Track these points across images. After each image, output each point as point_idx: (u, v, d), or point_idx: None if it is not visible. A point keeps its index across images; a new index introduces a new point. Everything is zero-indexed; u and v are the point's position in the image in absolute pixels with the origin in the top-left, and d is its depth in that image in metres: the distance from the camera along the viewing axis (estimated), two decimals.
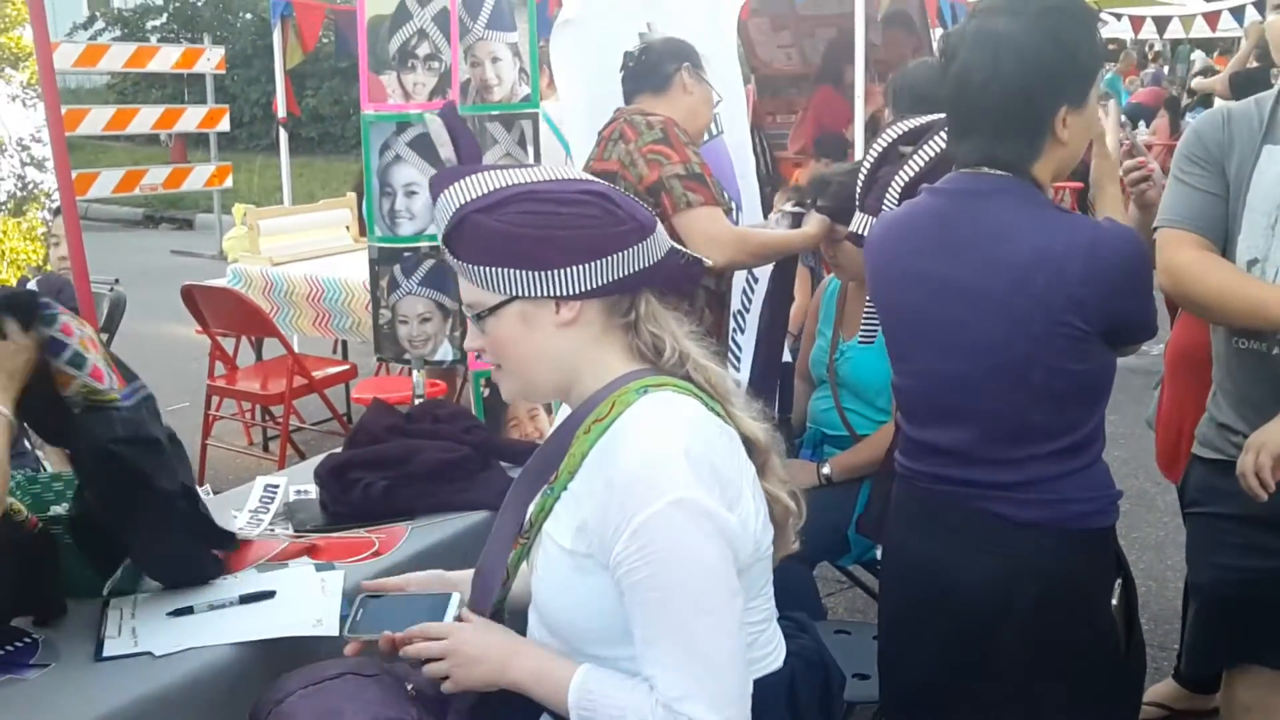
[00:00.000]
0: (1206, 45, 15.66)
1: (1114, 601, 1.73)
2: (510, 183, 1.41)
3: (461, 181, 1.41)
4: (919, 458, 1.82)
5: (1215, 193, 2.02)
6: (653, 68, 2.85)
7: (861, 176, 2.41)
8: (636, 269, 1.40)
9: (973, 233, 1.69)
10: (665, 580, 1.29)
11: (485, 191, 1.40)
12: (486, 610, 1.50)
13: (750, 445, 1.44)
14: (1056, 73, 1.64)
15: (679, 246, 1.47)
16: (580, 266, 1.37)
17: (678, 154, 2.67)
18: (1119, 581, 1.75)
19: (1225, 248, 2.02)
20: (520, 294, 1.39)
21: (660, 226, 1.44)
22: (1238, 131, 2.01)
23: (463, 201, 1.40)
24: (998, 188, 1.68)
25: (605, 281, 1.39)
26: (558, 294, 1.38)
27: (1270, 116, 1.98)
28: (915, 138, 2.19)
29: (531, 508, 1.48)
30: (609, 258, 1.38)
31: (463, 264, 1.41)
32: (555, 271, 1.37)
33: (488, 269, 1.39)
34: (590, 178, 1.45)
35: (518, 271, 1.37)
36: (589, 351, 1.43)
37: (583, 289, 1.38)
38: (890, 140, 2.30)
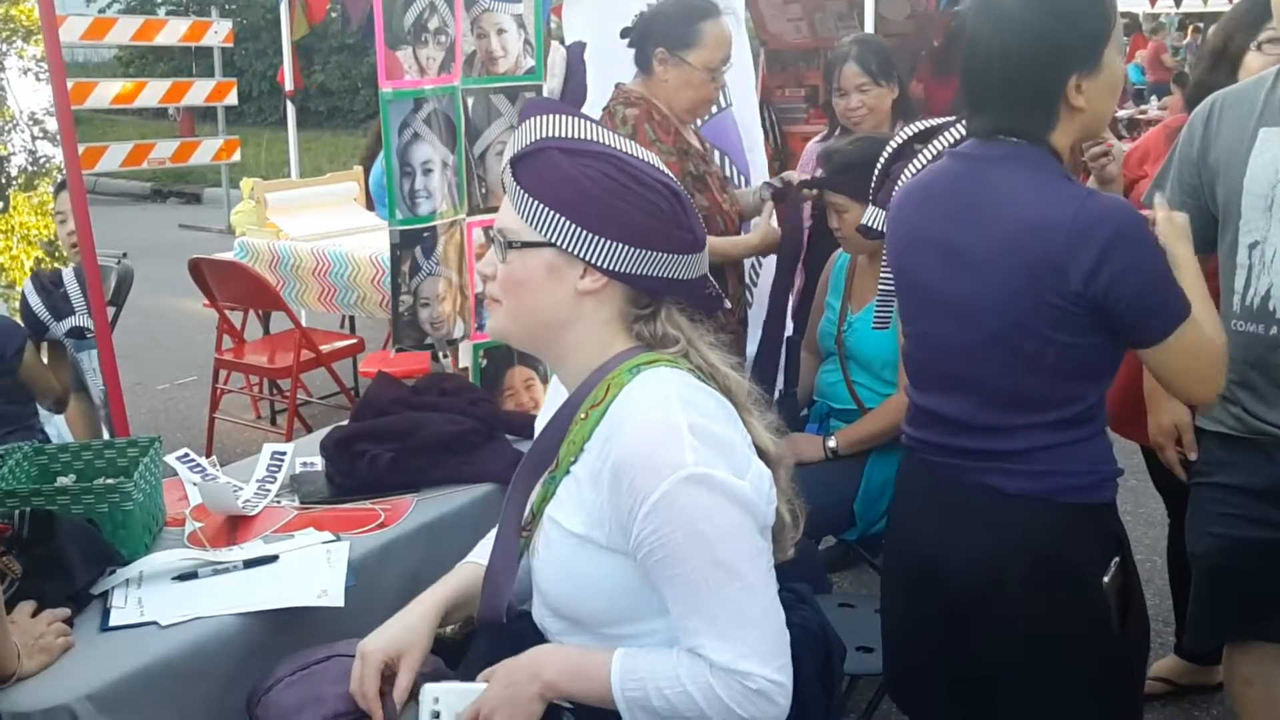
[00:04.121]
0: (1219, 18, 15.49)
1: (1106, 579, 1.70)
2: (602, 140, 1.40)
3: (558, 116, 1.40)
4: (922, 426, 1.82)
5: (1193, 201, 2.08)
6: (638, 46, 2.83)
7: (876, 172, 2.41)
8: (670, 276, 1.39)
9: (978, 198, 1.69)
10: (688, 555, 1.29)
11: (576, 135, 1.39)
12: (501, 608, 1.48)
13: (761, 457, 1.42)
14: (1057, 44, 1.61)
15: (710, 278, 1.46)
16: (625, 246, 1.36)
17: None
18: (1116, 560, 1.72)
19: (1223, 233, 2.03)
20: (559, 243, 1.37)
21: (706, 249, 1.44)
22: (1228, 117, 2.02)
23: (550, 134, 1.39)
24: (1007, 154, 1.67)
25: (638, 272, 1.38)
26: (592, 260, 1.36)
27: (1267, 99, 1.98)
28: (929, 137, 2.19)
29: (533, 496, 1.47)
30: (653, 253, 1.37)
31: (519, 190, 1.39)
32: (601, 239, 1.36)
33: (541, 205, 1.37)
34: (671, 174, 1.43)
35: (567, 221, 1.36)
36: (595, 329, 1.42)
37: (615, 268, 1.37)
38: (905, 138, 2.30)
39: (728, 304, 1.52)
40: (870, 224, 2.42)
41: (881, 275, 2.23)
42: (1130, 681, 1.82)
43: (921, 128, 2.29)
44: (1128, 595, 1.74)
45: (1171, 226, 1.74)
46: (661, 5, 2.85)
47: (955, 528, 1.75)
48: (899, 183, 2.15)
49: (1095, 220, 1.57)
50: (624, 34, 2.87)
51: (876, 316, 2.34)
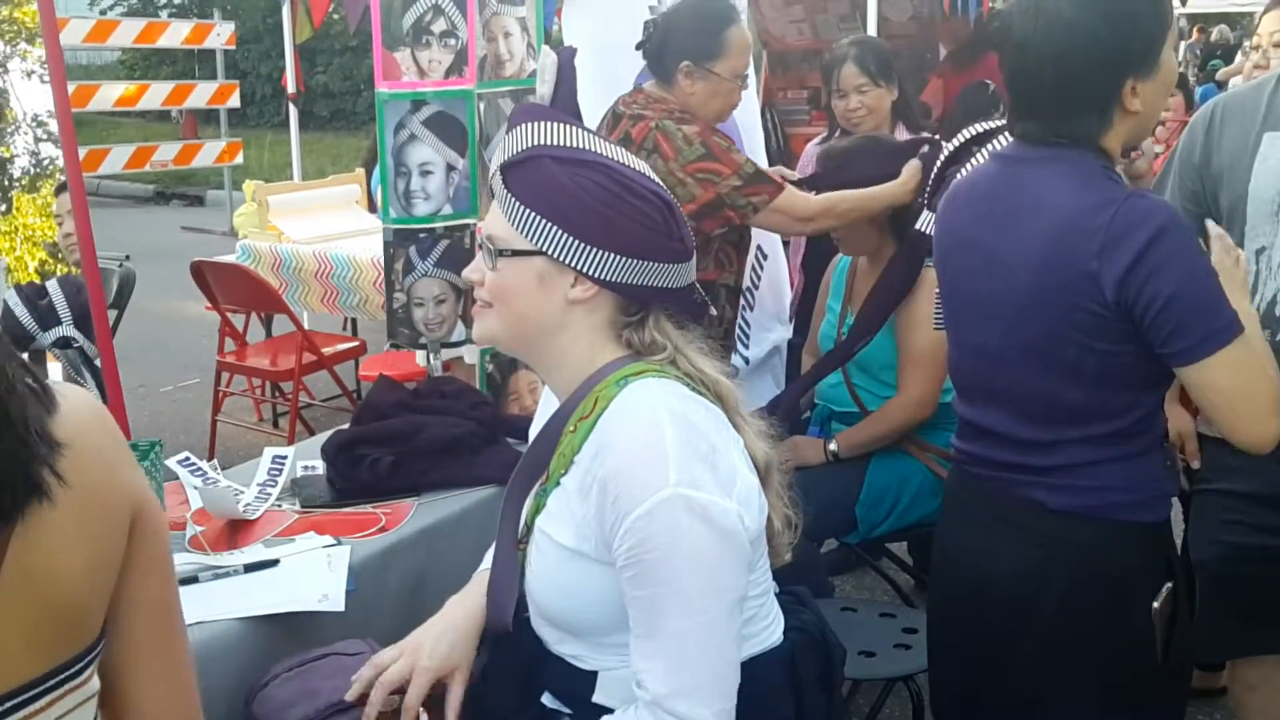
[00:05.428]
0: (1224, 20, 15.55)
1: (1156, 604, 1.62)
2: (595, 149, 1.39)
3: (551, 123, 1.39)
4: (966, 438, 1.78)
5: (1193, 209, 2.06)
6: (656, 57, 2.78)
7: (916, 177, 2.40)
8: (660, 285, 1.39)
9: (1016, 200, 1.62)
10: (656, 579, 1.27)
11: (570, 144, 1.38)
12: (507, 619, 1.48)
13: (754, 463, 1.41)
14: (1115, 48, 1.53)
15: (698, 286, 1.45)
16: (617, 256, 1.35)
17: (727, 166, 2.62)
18: (1169, 586, 1.65)
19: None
20: (550, 252, 1.36)
21: (694, 258, 1.43)
22: (1230, 122, 2.01)
23: (543, 142, 1.38)
24: (1048, 155, 1.60)
25: (629, 281, 1.37)
26: (584, 270, 1.36)
27: (1269, 103, 1.97)
28: (987, 139, 2.15)
29: (526, 508, 1.46)
30: (645, 262, 1.36)
31: (510, 198, 1.38)
32: (592, 248, 1.35)
33: (533, 213, 1.36)
34: (661, 184, 1.43)
35: (560, 231, 1.35)
36: (583, 337, 1.41)
37: (606, 277, 1.36)
38: (963, 141, 2.27)
39: (713, 311, 1.51)
40: (923, 228, 2.40)
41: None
42: (1169, 711, 1.75)
43: (980, 130, 2.24)
44: (1175, 624, 1.66)
45: (1228, 259, 1.66)
46: (677, 16, 2.78)
47: (999, 542, 1.69)
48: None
49: (1133, 223, 1.49)
50: (639, 47, 2.83)
51: (937, 315, 2.30)
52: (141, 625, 1.00)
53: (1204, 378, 1.52)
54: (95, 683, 0.95)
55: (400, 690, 1.48)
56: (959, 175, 2.05)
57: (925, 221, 2.40)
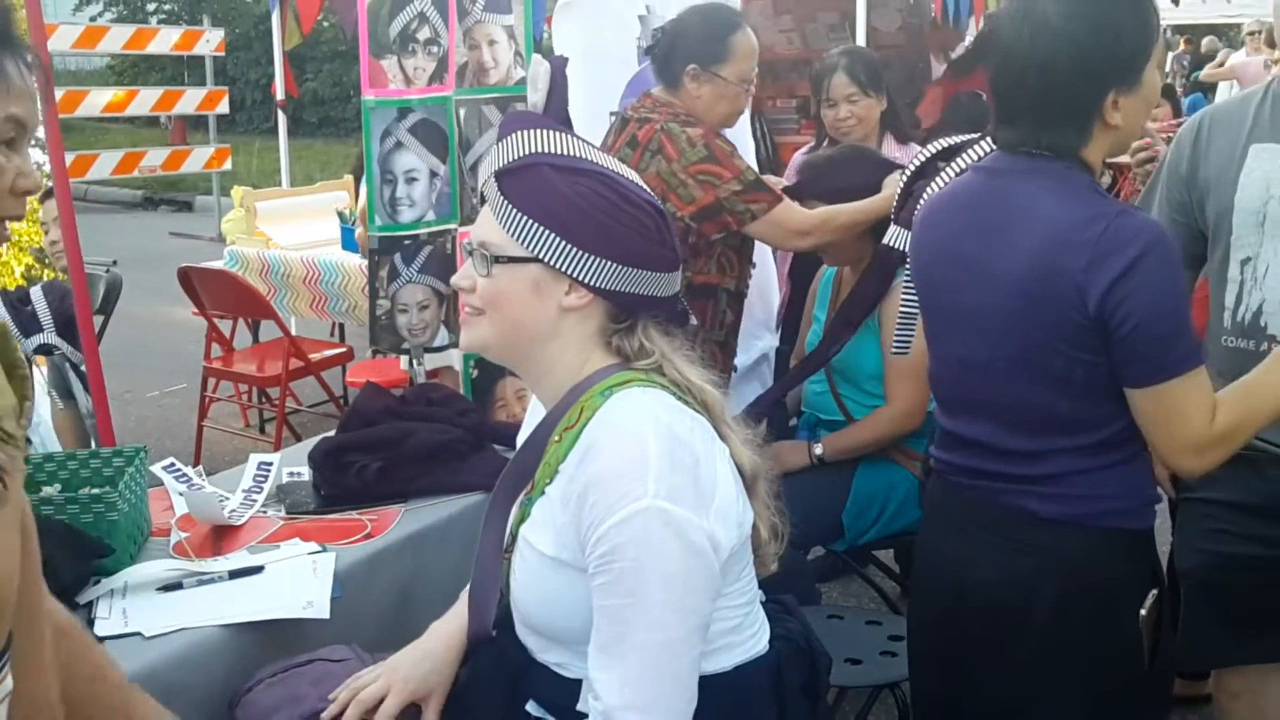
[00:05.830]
0: (1211, 30, 15.70)
1: (1143, 612, 1.63)
2: (592, 158, 1.40)
3: (547, 131, 1.40)
4: (949, 448, 1.77)
5: (1181, 219, 2.06)
6: (663, 61, 2.80)
7: (898, 189, 2.39)
8: (650, 293, 1.40)
9: (1001, 213, 1.62)
10: (625, 587, 1.27)
11: (567, 153, 1.39)
12: (487, 626, 1.49)
13: (740, 473, 1.41)
14: (1098, 59, 1.54)
15: (681, 297, 1.47)
16: (612, 263, 1.36)
17: (728, 169, 2.64)
18: (1154, 593, 1.65)
19: (1214, 249, 2.03)
20: (547, 259, 1.36)
21: (682, 267, 1.44)
22: (1217, 134, 2.01)
23: (541, 150, 1.38)
24: (1033, 168, 1.60)
25: (622, 289, 1.38)
26: (579, 277, 1.36)
27: (1256, 116, 1.97)
28: (952, 154, 2.15)
29: (511, 517, 1.47)
30: (638, 271, 1.37)
31: (507, 204, 1.37)
32: (589, 256, 1.35)
33: (530, 221, 1.36)
34: (652, 193, 1.43)
35: (557, 238, 1.35)
36: (574, 344, 1.41)
37: (601, 284, 1.37)
38: (928, 156, 2.27)
39: (694, 320, 1.52)
40: (892, 243, 2.40)
41: (903, 297, 2.19)
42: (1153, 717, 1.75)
43: (945, 145, 2.24)
44: (1159, 631, 1.67)
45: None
46: (685, 21, 2.81)
47: (984, 552, 1.69)
48: (920, 201, 2.12)
49: (1124, 240, 1.50)
50: (648, 52, 2.85)
51: (897, 340, 2.27)
52: (29, 619, 1.03)
53: (1140, 402, 1.57)
54: (10, 682, 0.97)
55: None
56: (928, 190, 2.05)
57: (894, 237, 2.39)
